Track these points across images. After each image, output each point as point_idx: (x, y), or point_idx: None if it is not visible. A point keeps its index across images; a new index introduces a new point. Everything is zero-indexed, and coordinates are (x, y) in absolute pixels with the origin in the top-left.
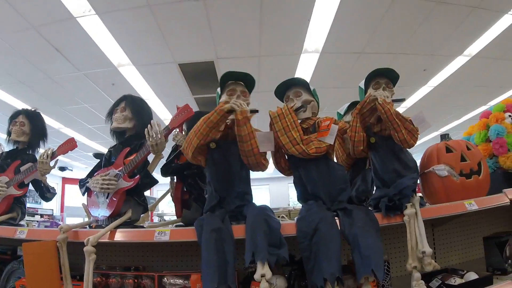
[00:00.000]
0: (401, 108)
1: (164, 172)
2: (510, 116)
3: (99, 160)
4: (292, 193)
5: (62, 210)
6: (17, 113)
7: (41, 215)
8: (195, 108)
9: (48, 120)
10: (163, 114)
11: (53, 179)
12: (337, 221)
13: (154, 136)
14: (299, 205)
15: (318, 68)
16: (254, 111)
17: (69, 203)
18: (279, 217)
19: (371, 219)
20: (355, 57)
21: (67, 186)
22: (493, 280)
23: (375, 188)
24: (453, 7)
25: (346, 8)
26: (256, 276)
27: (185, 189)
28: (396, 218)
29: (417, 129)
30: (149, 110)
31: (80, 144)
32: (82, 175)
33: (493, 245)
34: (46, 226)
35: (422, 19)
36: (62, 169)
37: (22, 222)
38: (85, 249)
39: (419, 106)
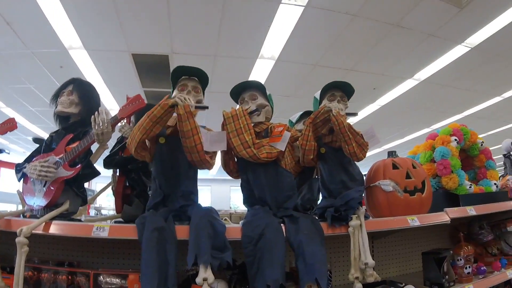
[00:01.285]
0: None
1: (107, 164)
2: (455, 140)
3: (38, 144)
4: (234, 196)
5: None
6: (68, 82)
7: None
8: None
9: None
10: (109, 103)
11: None
12: (283, 227)
13: (101, 124)
14: (240, 209)
15: (272, 74)
16: (203, 108)
17: (3, 188)
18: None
19: (317, 228)
20: (309, 68)
21: (2, 169)
22: None
23: (321, 197)
24: (409, 32)
25: (306, 20)
26: (198, 279)
27: (127, 184)
28: (341, 229)
29: (367, 144)
30: (98, 97)
31: (20, 126)
32: (19, 159)
33: (432, 260)
34: None
35: (378, 39)
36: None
37: None
38: (17, 240)
39: (365, 123)
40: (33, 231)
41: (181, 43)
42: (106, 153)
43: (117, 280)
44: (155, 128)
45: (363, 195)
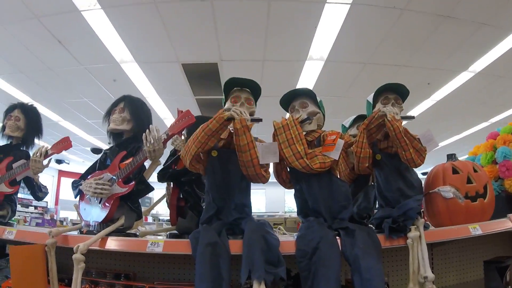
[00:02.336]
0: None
1: (161, 177)
2: None
3: (96, 154)
4: (288, 199)
5: (56, 203)
6: (13, 107)
7: (35, 207)
8: (196, 109)
9: (47, 112)
10: (163, 113)
11: (49, 172)
12: (338, 240)
13: (152, 141)
14: (295, 212)
15: (321, 76)
16: (257, 120)
17: (64, 196)
18: (275, 227)
19: (373, 241)
20: (359, 67)
21: (63, 179)
22: None
23: (377, 206)
24: (461, 22)
25: (353, 18)
26: None
27: (181, 196)
28: (399, 241)
29: (425, 149)
30: (149, 112)
31: (78, 138)
32: (79, 169)
33: (494, 270)
34: (37, 224)
35: (429, 32)
36: (59, 162)
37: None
38: (74, 257)
39: (420, 120)
40: (90, 247)
41: (229, 50)
42: (160, 166)
43: None
44: (210, 141)
45: (421, 203)
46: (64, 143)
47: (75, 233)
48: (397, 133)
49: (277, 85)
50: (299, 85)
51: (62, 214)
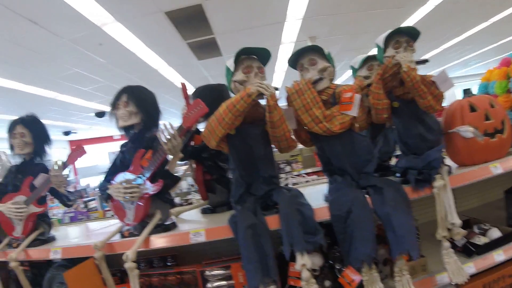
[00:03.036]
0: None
1: (182, 157)
2: None
3: (100, 118)
4: None
5: (76, 173)
6: (13, 124)
7: None
8: (189, 53)
9: (42, 92)
10: (156, 63)
11: (59, 144)
12: (368, 199)
13: (169, 138)
14: None
15: None
16: (275, 89)
17: (80, 164)
18: (292, 159)
19: (402, 196)
20: None
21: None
22: None
23: (399, 152)
24: None
25: None
26: (297, 266)
27: (205, 170)
28: (425, 191)
29: (442, 94)
30: (153, 98)
31: (78, 107)
32: (87, 135)
33: None
34: (71, 219)
35: None
36: (67, 133)
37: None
38: (126, 266)
39: (419, 26)
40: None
41: None
42: None
43: (222, 271)
44: (237, 121)
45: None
46: (78, 151)
47: (118, 237)
48: (414, 83)
49: (267, 13)
50: (290, 7)
51: (83, 181)
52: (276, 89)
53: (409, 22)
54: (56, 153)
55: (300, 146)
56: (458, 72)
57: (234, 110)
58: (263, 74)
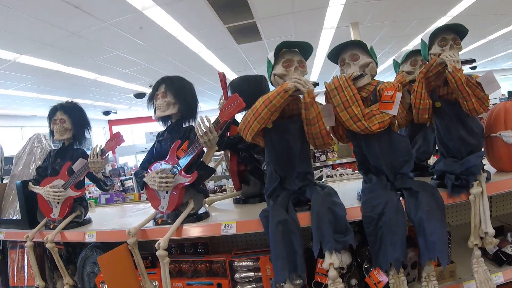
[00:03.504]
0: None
1: (218, 148)
2: None
3: (139, 99)
4: None
5: (114, 152)
6: (53, 110)
7: None
8: (229, 37)
9: (83, 73)
10: (197, 47)
11: (99, 123)
12: (402, 202)
13: (205, 131)
14: None
15: None
16: (315, 85)
17: None
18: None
19: (437, 201)
20: None
21: (114, 127)
22: None
23: (438, 153)
24: None
25: None
26: (325, 265)
27: (239, 161)
28: (461, 197)
29: (487, 97)
30: (191, 89)
31: (119, 88)
32: (126, 115)
33: None
34: (107, 200)
35: None
36: (107, 113)
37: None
38: (158, 254)
39: (466, 15)
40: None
41: None
42: None
43: (250, 263)
44: (273, 116)
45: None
46: (117, 139)
47: (151, 224)
48: (459, 85)
49: None
50: None
51: (121, 160)
52: (316, 84)
53: (455, 10)
54: (96, 132)
55: None
56: (503, 64)
57: (270, 106)
58: (304, 68)
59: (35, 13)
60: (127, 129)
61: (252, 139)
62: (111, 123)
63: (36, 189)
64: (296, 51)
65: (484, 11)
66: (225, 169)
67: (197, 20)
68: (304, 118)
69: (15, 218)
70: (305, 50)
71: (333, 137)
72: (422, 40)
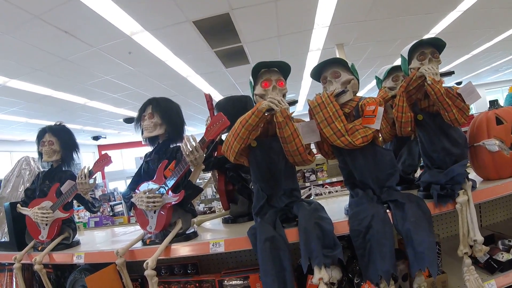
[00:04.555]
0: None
1: (205, 168)
2: None
3: (128, 123)
4: None
5: (103, 177)
6: (42, 132)
7: None
8: (217, 61)
9: (72, 98)
10: (185, 71)
11: (89, 149)
12: (389, 214)
13: (191, 150)
14: None
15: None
16: (293, 103)
17: (108, 168)
18: (318, 168)
19: (424, 212)
20: None
21: (103, 152)
22: None
23: (423, 165)
24: None
25: None
26: (314, 280)
27: (227, 180)
28: (448, 206)
29: (468, 107)
30: (178, 110)
31: (108, 113)
32: (116, 140)
33: None
34: (96, 223)
35: None
36: (96, 138)
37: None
38: (146, 274)
39: (449, 32)
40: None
41: None
42: None
43: (240, 281)
44: (251, 135)
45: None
46: (104, 160)
47: (139, 244)
48: (438, 96)
49: (294, 22)
50: (318, 15)
51: (111, 185)
52: (294, 102)
53: (438, 28)
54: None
55: None
56: (488, 78)
57: (247, 125)
58: (283, 87)
59: (25, 37)
60: (116, 154)
61: (235, 160)
62: (101, 148)
63: (25, 210)
64: (274, 70)
65: (466, 27)
66: (215, 192)
67: (185, 45)
68: (279, 137)
69: (3, 240)
70: (283, 68)
71: (310, 158)
72: (401, 55)
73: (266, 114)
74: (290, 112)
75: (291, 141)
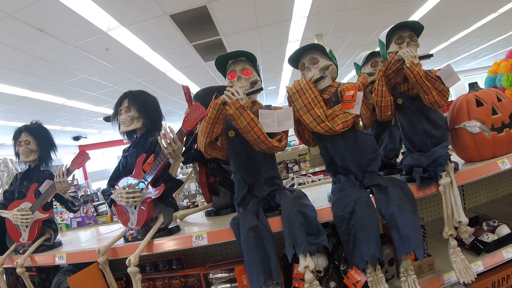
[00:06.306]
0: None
1: (185, 160)
2: None
3: (108, 122)
4: None
5: (86, 178)
6: (18, 132)
7: None
8: (196, 55)
9: (50, 98)
10: (164, 66)
11: (70, 149)
12: (372, 199)
13: (169, 142)
14: None
15: None
16: (256, 91)
17: (90, 168)
18: (300, 158)
19: (407, 195)
20: None
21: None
22: None
23: (404, 149)
24: None
25: None
26: (300, 268)
27: (208, 172)
28: (431, 189)
29: (447, 89)
30: (155, 102)
31: (87, 112)
32: (97, 139)
33: None
34: (78, 223)
35: None
36: (77, 138)
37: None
38: (129, 270)
39: (427, 19)
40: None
41: None
42: None
43: (225, 274)
44: (215, 128)
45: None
46: (82, 157)
47: (122, 242)
48: (417, 79)
49: (273, 12)
50: (296, 5)
51: (94, 185)
52: (258, 90)
53: (417, 15)
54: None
55: None
56: (467, 65)
57: (207, 119)
58: (249, 75)
59: None
60: (98, 154)
61: (207, 154)
62: (82, 148)
63: (4, 213)
64: (241, 59)
65: (445, 14)
66: (198, 187)
67: (163, 39)
68: (237, 128)
69: None
70: (248, 56)
71: (277, 144)
72: (379, 40)
73: (222, 106)
74: (246, 101)
75: (249, 131)
